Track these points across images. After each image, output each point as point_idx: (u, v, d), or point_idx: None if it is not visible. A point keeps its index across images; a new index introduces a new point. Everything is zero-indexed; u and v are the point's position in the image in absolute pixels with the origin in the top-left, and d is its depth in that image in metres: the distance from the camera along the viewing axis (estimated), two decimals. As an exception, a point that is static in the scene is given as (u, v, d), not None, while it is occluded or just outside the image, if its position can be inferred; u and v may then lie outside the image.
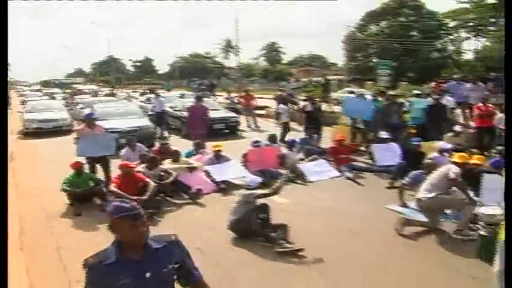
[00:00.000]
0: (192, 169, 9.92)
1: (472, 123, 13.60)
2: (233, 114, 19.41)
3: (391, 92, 16.38)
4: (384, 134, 12.67)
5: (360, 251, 6.48)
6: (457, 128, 11.78)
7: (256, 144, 11.47)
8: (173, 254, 2.80)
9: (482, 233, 6.12)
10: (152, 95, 21.05)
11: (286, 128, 16.00)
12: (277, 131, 15.38)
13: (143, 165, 9.42)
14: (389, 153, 11.34)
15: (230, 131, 18.25)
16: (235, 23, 61.90)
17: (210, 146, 11.64)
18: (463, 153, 7.84)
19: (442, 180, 6.99)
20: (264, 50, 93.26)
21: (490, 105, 12.94)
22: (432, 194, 6.94)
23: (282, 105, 17.80)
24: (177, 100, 21.41)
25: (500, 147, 10.85)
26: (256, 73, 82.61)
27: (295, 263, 6.07)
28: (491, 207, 6.12)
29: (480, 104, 12.79)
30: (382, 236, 7.00)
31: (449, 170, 6.96)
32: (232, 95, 27.09)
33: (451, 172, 6.87)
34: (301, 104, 17.66)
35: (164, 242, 2.78)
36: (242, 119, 19.86)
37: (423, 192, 7.12)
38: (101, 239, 6.99)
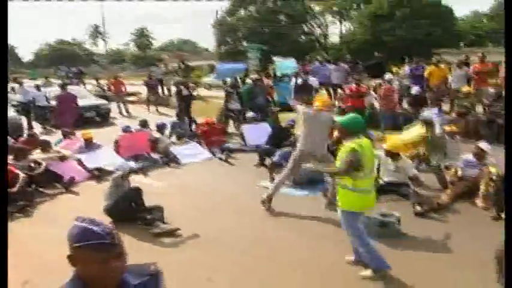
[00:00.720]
0: (63, 158, 9.81)
1: (337, 103, 14.56)
2: (103, 102, 19.01)
3: (255, 76, 17.08)
4: (251, 115, 13.25)
5: (233, 227, 6.86)
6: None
7: (126, 129, 11.55)
8: None
9: None
10: (16, 85, 19.90)
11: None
12: (149, 117, 15.40)
13: (11, 157, 9.18)
14: (258, 133, 11.88)
15: (101, 118, 17.94)
16: (101, 8, 60.11)
17: (81, 134, 11.49)
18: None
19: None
20: (133, 35, 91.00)
21: (364, 86, 13.93)
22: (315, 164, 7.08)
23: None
24: (45, 89, 20.41)
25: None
26: (127, 59, 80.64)
27: (173, 243, 6.34)
28: None
29: (353, 85, 13.72)
30: (253, 211, 7.41)
31: None
32: (102, 82, 26.41)
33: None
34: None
35: (145, 276, 2.05)
36: (113, 106, 19.38)
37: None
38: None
